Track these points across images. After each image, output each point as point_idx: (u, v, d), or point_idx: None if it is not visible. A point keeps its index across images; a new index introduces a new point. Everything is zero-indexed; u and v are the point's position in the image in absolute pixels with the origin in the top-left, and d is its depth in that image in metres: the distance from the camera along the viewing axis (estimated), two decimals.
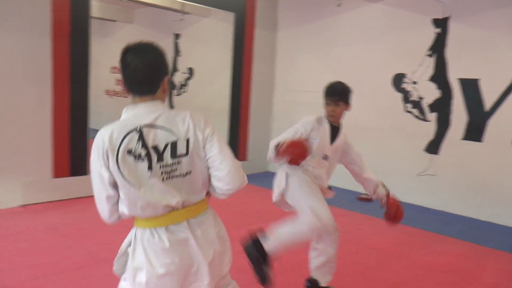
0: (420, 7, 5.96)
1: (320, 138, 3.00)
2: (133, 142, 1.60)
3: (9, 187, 4.82)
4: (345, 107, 3.07)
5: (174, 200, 1.64)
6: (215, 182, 1.73)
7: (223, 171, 1.69)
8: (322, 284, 3.10)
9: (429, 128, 5.96)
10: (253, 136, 7.56)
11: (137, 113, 1.66)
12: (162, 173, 1.62)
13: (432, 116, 5.93)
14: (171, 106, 9.13)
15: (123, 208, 1.67)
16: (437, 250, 4.43)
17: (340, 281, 3.49)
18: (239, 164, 1.75)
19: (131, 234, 1.74)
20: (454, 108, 5.74)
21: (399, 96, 6.21)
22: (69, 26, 5.14)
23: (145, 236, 1.66)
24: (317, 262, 3.08)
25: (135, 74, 1.67)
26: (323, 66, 7.05)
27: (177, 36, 8.96)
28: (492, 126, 5.47)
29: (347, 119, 6.57)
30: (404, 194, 6.13)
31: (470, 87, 5.60)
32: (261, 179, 6.43)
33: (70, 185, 5.26)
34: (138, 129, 1.61)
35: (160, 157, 1.62)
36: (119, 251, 1.79)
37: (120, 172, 1.59)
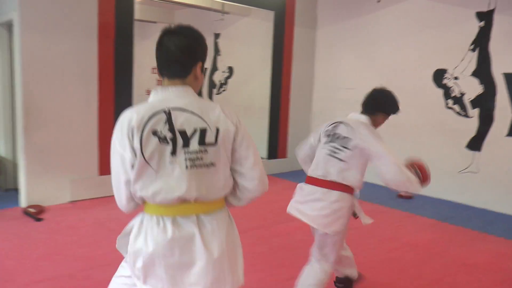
0: (462, 0, 5.84)
1: None
2: (160, 123, 1.51)
3: (59, 184, 5.08)
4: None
5: (189, 192, 1.54)
6: (241, 181, 1.67)
7: (252, 173, 1.66)
8: (353, 276, 3.12)
9: (471, 124, 5.84)
10: (293, 134, 7.61)
11: (166, 96, 1.59)
12: (186, 159, 1.53)
13: (474, 112, 5.80)
14: None
15: (135, 189, 1.58)
16: (479, 248, 4.35)
17: (377, 277, 3.51)
18: (264, 170, 1.72)
19: (137, 218, 1.67)
20: (498, 103, 5.60)
21: (440, 92, 6.10)
22: (114, 29, 5.36)
23: (150, 224, 1.58)
24: (340, 267, 3.06)
25: (167, 54, 1.63)
26: (362, 63, 7.02)
27: (217, 35, 9.10)
28: None
29: None
30: (445, 191, 6.06)
31: None
32: (300, 176, 6.47)
33: None
34: (166, 110, 1.53)
35: (187, 143, 1.53)
36: (123, 230, 1.76)
37: (142, 152, 1.50)
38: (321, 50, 7.67)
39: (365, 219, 2.76)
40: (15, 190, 5.34)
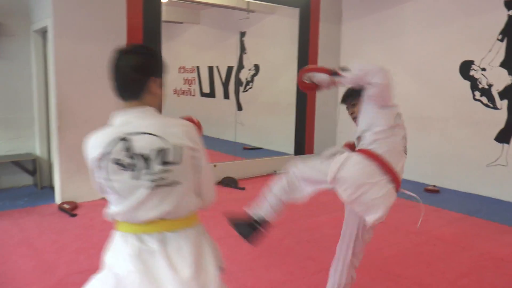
0: None
1: None
2: (119, 151, 1.52)
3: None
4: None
5: (152, 212, 1.55)
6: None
7: (205, 195, 1.71)
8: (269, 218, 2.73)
9: (500, 116, 5.75)
10: (319, 130, 7.64)
11: (126, 119, 1.59)
12: (148, 181, 1.53)
13: (503, 104, 5.72)
14: (238, 102, 9.41)
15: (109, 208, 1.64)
16: (507, 241, 4.31)
17: (404, 271, 3.54)
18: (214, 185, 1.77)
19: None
20: None
21: (467, 84, 6.03)
22: (142, 31, 5.52)
23: (117, 239, 1.61)
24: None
25: (118, 75, 1.61)
26: (388, 56, 6.99)
27: (242, 34, 9.19)
28: None
29: (411, 110, 6.52)
30: (473, 185, 5.99)
31: None
32: None
33: None
34: (125, 137, 1.53)
35: (148, 165, 1.53)
36: None
37: (105, 179, 1.55)
38: (347, 45, 7.67)
39: None
40: (51, 187, 5.57)
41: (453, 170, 6.20)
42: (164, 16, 5.83)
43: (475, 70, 5.93)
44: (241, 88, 9.38)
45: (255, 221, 2.60)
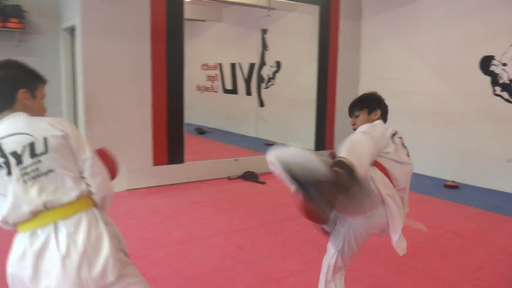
0: None
1: None
2: None
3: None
4: (369, 114, 2.65)
5: (34, 202, 1.64)
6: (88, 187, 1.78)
7: (91, 181, 1.78)
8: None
9: None
10: (340, 126, 7.69)
11: (1, 128, 1.71)
12: (23, 175, 1.65)
13: None
14: (260, 99, 9.53)
15: None
16: None
17: (418, 264, 3.60)
18: (106, 173, 1.87)
19: None
20: None
21: (487, 79, 6.01)
22: (165, 29, 5.70)
23: (16, 240, 1.71)
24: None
25: None
26: (408, 52, 7.00)
27: (264, 31, 9.29)
28: None
29: (431, 105, 6.52)
30: (493, 180, 5.97)
31: None
32: None
33: (167, 172, 5.84)
34: None
35: (19, 161, 1.65)
36: None
37: None
38: (367, 41, 7.69)
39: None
40: None
41: (473, 165, 6.19)
42: (187, 14, 5.98)
43: (495, 65, 5.90)
44: (263, 85, 9.50)
45: None
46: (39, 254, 1.63)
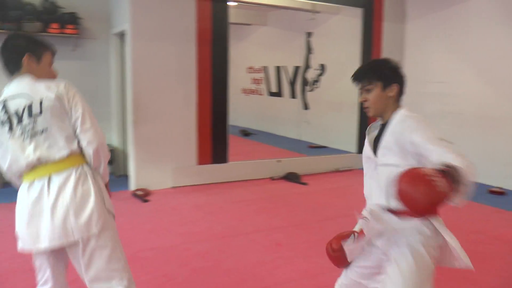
0: None
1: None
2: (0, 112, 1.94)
3: (163, 172, 5.73)
4: (383, 90, 2.02)
5: (30, 156, 1.90)
6: (80, 142, 1.98)
7: (83, 136, 1.97)
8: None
9: None
10: None
11: (9, 88, 1.96)
12: (22, 132, 1.91)
13: None
14: (305, 102, 9.59)
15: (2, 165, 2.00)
16: None
17: (457, 269, 3.56)
18: (98, 128, 2.01)
19: None
20: None
21: None
22: (211, 33, 5.90)
23: (20, 189, 1.99)
24: None
25: (2, 56, 2.00)
26: (453, 55, 6.86)
27: (309, 34, 9.33)
28: None
29: (477, 109, 6.37)
30: None
31: None
32: None
33: (211, 172, 6.04)
34: (4, 100, 1.93)
35: (20, 119, 1.91)
36: None
37: None
38: (411, 44, 7.61)
39: None
40: (125, 176, 6.08)
41: None
42: (233, 18, 6.14)
43: None
44: (307, 88, 9.54)
45: None
46: (34, 201, 1.90)
